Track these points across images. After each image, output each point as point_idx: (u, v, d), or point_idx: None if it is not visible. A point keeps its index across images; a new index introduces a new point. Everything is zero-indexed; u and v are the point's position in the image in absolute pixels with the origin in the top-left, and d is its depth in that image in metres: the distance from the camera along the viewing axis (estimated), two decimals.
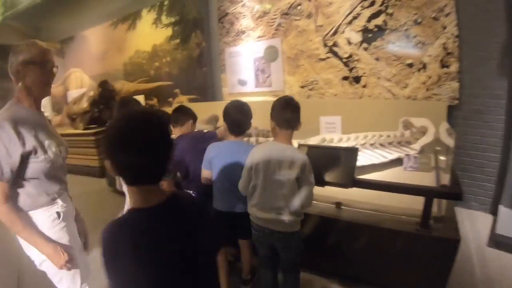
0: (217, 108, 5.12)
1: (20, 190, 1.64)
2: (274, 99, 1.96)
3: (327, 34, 3.85)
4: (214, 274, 1.24)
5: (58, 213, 1.75)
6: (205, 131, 2.95)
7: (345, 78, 3.78)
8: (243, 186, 1.94)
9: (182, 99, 6.14)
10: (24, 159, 1.59)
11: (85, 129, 6.46)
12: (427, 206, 1.87)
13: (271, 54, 4.46)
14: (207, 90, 5.64)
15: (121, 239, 1.06)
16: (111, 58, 7.45)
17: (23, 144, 1.58)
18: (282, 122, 1.84)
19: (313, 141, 2.99)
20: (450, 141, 2.71)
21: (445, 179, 2.30)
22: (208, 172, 2.23)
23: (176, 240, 1.07)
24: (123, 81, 7.27)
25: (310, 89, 4.10)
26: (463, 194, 1.86)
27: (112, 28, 7.31)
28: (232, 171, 2.10)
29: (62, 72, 8.35)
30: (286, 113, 1.84)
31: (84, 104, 6.65)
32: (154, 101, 6.79)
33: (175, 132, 2.77)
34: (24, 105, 1.68)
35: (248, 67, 4.83)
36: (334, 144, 2.85)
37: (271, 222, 1.85)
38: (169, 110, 6.15)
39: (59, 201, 1.77)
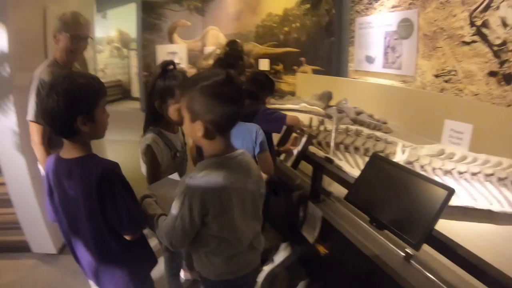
0: (339, 85, 4.70)
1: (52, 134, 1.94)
2: (403, 85, 1.53)
3: (475, 9, 2.94)
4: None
5: None
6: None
7: (493, 73, 2.81)
8: None
9: (307, 69, 5.79)
10: None
11: None
12: None
13: (405, 29, 3.72)
14: (332, 63, 5.16)
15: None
16: (245, 19, 7.45)
17: None
18: None
19: (427, 150, 2.39)
20: None
21: None
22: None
23: None
24: (254, 43, 7.22)
25: (446, 81, 3.29)
26: None
27: None
28: None
29: (201, 28, 8.71)
30: None
31: (210, 61, 6.84)
32: (279, 67, 6.60)
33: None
34: (59, 63, 2.15)
35: (378, 42, 4.15)
36: (451, 161, 2.18)
37: None
38: (292, 78, 6.03)
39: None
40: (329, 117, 3.58)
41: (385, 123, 3.45)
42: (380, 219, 1.58)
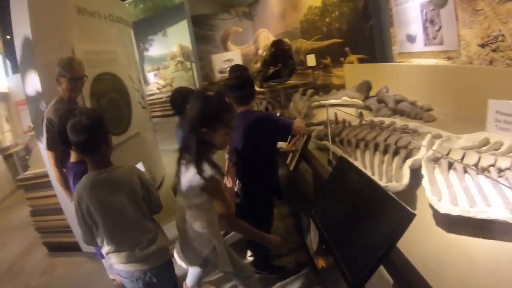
0: (384, 72, 4.14)
1: (65, 156, 2.44)
2: (447, 62, 1.22)
3: None
4: None
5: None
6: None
7: None
8: None
9: (352, 59, 5.27)
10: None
11: (261, 87, 6.47)
12: None
13: None
14: (375, 49, 4.58)
15: None
16: (289, 17, 7.20)
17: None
18: None
19: (465, 141, 1.84)
20: None
21: None
22: None
23: None
24: (301, 40, 6.92)
25: (493, 50, 2.62)
26: None
27: None
28: None
29: (252, 33, 8.63)
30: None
31: (258, 64, 6.65)
32: (327, 60, 6.14)
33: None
34: (64, 100, 2.60)
35: (416, 17, 3.55)
36: (492, 154, 1.55)
37: None
38: (340, 71, 5.53)
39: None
40: (369, 108, 3.32)
41: (429, 110, 2.91)
42: (329, 241, 1.23)
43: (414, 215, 0.99)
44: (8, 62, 6.85)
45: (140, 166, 2.25)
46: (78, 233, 3.39)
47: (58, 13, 3.41)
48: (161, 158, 5.46)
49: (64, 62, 2.55)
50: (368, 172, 1.83)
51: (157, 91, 11.45)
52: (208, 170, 1.59)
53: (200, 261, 1.87)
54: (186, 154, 1.68)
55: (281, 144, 2.70)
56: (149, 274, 1.77)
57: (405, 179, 1.58)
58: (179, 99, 2.60)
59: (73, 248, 3.77)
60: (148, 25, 11.07)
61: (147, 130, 5.21)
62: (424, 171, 1.55)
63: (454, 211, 1.23)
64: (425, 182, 1.47)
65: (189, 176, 1.65)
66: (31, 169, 3.94)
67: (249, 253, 2.94)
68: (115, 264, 1.79)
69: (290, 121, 2.42)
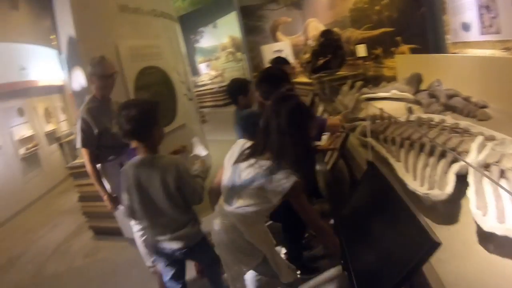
0: (436, 63, 3.90)
1: (99, 152, 2.70)
2: (506, 54, 1.20)
3: None
4: None
5: (121, 164, 2.49)
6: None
7: None
8: None
9: (404, 49, 5.03)
10: (99, 135, 2.64)
11: (310, 78, 6.39)
12: None
13: None
14: (427, 38, 4.34)
15: None
16: (338, 6, 6.95)
17: (96, 126, 2.62)
18: None
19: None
20: None
21: None
22: None
23: None
24: (351, 29, 6.67)
25: None
26: None
27: None
28: None
29: (302, 22, 8.49)
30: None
31: (307, 54, 6.55)
32: (378, 51, 5.90)
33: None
34: (97, 98, 2.70)
35: (471, 2, 3.30)
36: None
37: None
38: (391, 62, 5.31)
39: (122, 157, 2.60)
40: (419, 103, 3.14)
41: (484, 107, 2.69)
42: (347, 253, 1.18)
43: (439, 244, 0.91)
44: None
45: (196, 141, 2.38)
46: (120, 219, 3.69)
47: (100, 11, 3.60)
48: (208, 149, 5.57)
49: (94, 61, 2.65)
50: (409, 176, 1.70)
51: (209, 81, 11.68)
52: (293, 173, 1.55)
53: (244, 272, 1.83)
54: (264, 156, 1.62)
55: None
56: (182, 251, 1.94)
57: (449, 187, 1.44)
58: (236, 89, 2.63)
59: (116, 233, 4.00)
60: (198, 17, 11.26)
61: (193, 121, 5.33)
62: (470, 178, 1.40)
63: (500, 230, 1.09)
64: (470, 192, 1.34)
65: (273, 179, 1.56)
66: (79, 158, 4.28)
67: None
68: (149, 239, 1.98)
69: (323, 119, 2.34)
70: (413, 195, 1.50)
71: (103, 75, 2.66)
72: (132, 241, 3.10)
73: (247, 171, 1.62)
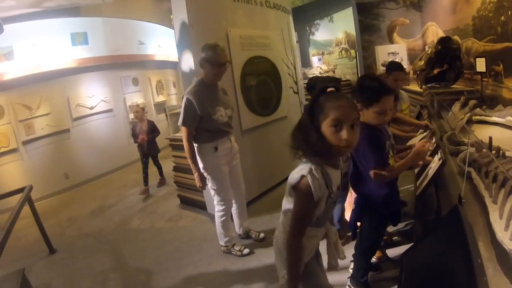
0: None
1: (198, 133, 2.87)
2: None
3: None
4: None
5: (215, 148, 2.91)
6: None
7: None
8: None
9: None
10: (202, 117, 2.79)
11: (421, 88, 6.07)
12: None
13: None
14: None
15: None
16: (460, 11, 6.26)
17: (199, 109, 2.75)
18: None
19: None
20: None
21: None
22: None
23: None
24: (472, 39, 6.00)
25: None
26: None
27: None
28: None
29: (420, 25, 7.95)
30: None
31: (422, 61, 6.12)
32: (499, 67, 5.21)
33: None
34: (206, 82, 2.84)
35: None
36: None
37: None
38: None
39: (219, 141, 2.92)
40: None
41: None
42: None
43: None
44: None
45: None
46: (207, 196, 3.97)
47: (214, 0, 3.88)
48: None
49: (208, 48, 2.71)
50: (501, 224, 1.40)
51: (319, 75, 11.59)
52: (305, 170, 1.38)
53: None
54: None
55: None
56: None
57: None
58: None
59: (201, 206, 4.37)
60: (315, 9, 11.20)
61: (296, 114, 5.41)
62: None
63: None
64: None
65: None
66: (180, 133, 4.70)
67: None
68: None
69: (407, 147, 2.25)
70: (499, 248, 1.28)
71: (217, 62, 2.72)
72: (212, 217, 3.30)
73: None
